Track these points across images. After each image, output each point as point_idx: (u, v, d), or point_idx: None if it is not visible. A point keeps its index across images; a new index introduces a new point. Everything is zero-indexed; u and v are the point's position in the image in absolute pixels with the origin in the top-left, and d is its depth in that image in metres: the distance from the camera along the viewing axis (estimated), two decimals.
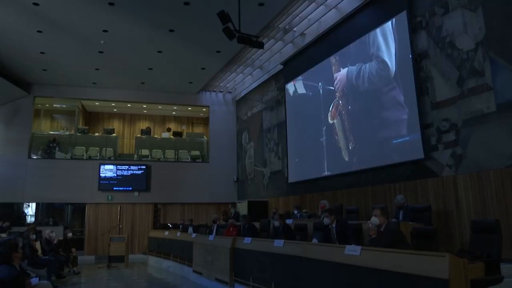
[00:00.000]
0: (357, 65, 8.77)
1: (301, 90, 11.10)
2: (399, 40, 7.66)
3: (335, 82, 9.57)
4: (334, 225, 5.48)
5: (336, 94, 9.51)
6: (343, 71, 9.27)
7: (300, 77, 11.14)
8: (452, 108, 6.55)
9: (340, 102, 9.36)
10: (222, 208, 14.63)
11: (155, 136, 16.56)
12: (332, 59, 9.69)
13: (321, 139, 10.01)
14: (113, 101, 15.77)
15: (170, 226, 13.21)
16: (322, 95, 10.12)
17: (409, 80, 7.33)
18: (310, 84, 10.65)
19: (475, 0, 6.28)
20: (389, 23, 7.92)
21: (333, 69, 9.67)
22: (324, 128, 9.93)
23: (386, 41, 7.99)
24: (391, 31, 7.84)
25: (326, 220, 5.50)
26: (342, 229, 5.39)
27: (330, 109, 9.71)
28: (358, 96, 8.74)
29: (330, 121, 9.70)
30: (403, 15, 7.57)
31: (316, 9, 9.83)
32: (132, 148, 16.08)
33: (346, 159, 9.01)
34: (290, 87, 11.63)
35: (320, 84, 10.20)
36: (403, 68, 7.51)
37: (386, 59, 7.94)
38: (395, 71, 7.72)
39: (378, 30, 8.21)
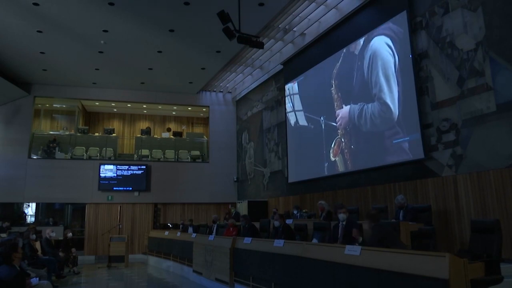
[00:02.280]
0: (359, 104, 8.63)
1: (303, 122, 10.90)
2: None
3: (337, 119, 9.42)
4: (344, 223, 5.48)
5: (338, 131, 9.36)
6: (346, 108, 9.10)
7: (301, 108, 10.91)
8: (452, 108, 6.55)
9: (343, 140, 9.20)
10: (222, 208, 14.67)
11: (155, 136, 16.58)
12: (335, 94, 9.52)
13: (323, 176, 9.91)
14: (113, 101, 15.77)
15: (170, 226, 13.22)
16: (324, 130, 9.94)
17: (415, 127, 7.14)
18: (312, 117, 10.46)
19: (475, 0, 6.28)
20: (393, 65, 7.72)
21: (335, 104, 9.51)
22: (326, 165, 9.79)
23: (388, 82, 7.84)
24: (394, 74, 7.69)
25: (343, 216, 5.49)
26: (349, 228, 5.37)
27: (332, 146, 9.57)
28: (361, 136, 8.59)
29: (332, 159, 9.56)
30: (403, 15, 7.57)
31: (316, 9, 9.84)
32: (132, 148, 16.10)
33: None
34: (291, 116, 11.45)
35: (322, 118, 10.05)
36: (407, 112, 7.34)
37: (389, 101, 7.80)
38: (398, 114, 7.57)
39: (380, 71, 8.03)
